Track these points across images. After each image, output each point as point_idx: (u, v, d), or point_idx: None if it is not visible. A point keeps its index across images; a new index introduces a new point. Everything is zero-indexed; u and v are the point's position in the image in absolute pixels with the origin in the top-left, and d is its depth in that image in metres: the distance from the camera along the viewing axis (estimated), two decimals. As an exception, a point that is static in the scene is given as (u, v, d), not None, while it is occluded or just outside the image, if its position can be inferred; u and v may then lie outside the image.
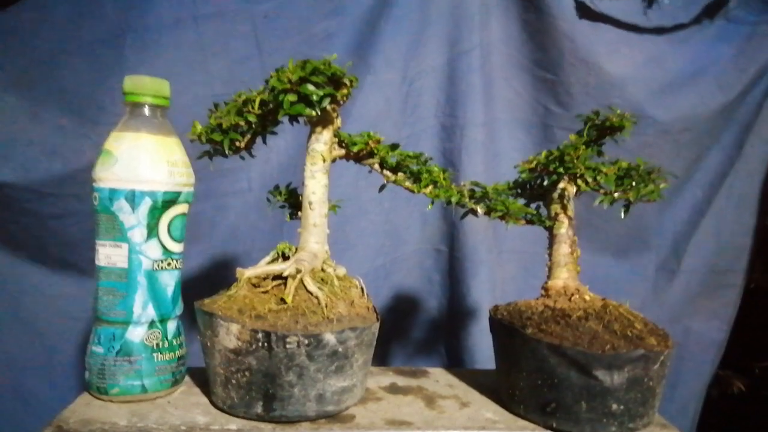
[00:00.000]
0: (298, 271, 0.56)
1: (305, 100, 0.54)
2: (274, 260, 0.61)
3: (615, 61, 1.02)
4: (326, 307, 0.55)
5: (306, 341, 0.52)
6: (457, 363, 1.04)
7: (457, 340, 1.03)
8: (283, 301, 0.55)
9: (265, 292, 0.56)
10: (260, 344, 0.52)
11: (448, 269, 1.05)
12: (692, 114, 1.05)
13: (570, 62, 0.99)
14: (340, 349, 0.54)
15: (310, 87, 0.53)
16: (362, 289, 0.63)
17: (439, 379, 0.68)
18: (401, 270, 1.05)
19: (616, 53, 1.02)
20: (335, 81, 0.55)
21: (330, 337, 0.53)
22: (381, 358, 1.04)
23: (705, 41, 1.06)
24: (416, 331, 1.07)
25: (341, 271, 0.63)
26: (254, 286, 0.57)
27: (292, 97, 0.53)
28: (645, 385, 0.54)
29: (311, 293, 0.56)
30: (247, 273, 0.57)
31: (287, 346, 0.52)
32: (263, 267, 0.58)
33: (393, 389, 0.64)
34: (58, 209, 0.88)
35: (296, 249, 0.61)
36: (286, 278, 0.57)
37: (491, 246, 1.04)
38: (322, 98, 0.54)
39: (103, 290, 0.57)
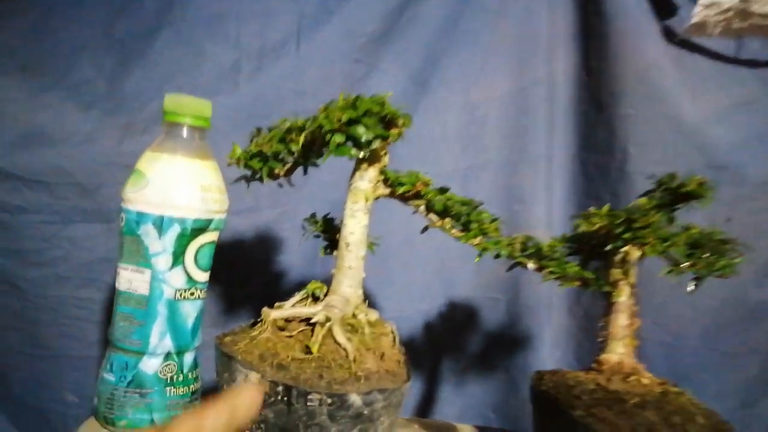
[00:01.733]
0: (328, 319, 0.52)
1: (353, 139, 0.50)
2: (303, 299, 0.57)
3: (701, 102, 0.93)
4: (354, 361, 0.51)
5: (329, 400, 0.48)
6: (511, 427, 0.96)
7: (516, 401, 0.96)
8: (308, 349, 0.51)
9: (290, 337, 0.52)
10: (279, 397, 0.48)
11: (507, 319, 0.97)
12: None
13: (651, 97, 0.91)
14: (365, 412, 0.49)
15: (360, 129, 0.48)
16: (394, 336, 0.58)
17: (467, 441, 0.63)
18: (448, 319, 0.97)
19: (703, 94, 0.93)
20: (387, 122, 0.51)
21: (356, 399, 0.49)
22: (421, 412, 0.99)
23: None
24: (463, 386, 0.99)
25: (373, 315, 0.58)
26: (279, 328, 0.53)
27: (339, 138, 0.48)
28: (705, 490, 0.47)
29: (339, 344, 0.51)
30: (273, 314, 0.52)
31: (308, 403, 0.48)
32: (290, 309, 0.54)
33: (417, 450, 0.59)
34: (18, 200, 0.81)
35: (327, 290, 0.57)
36: (314, 323, 0.52)
37: (562, 295, 0.95)
38: (371, 140, 0.50)
39: (121, 316, 0.54)
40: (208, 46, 0.86)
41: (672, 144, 0.94)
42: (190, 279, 0.55)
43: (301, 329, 0.53)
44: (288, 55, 0.89)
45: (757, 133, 0.96)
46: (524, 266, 0.59)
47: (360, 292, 0.57)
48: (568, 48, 0.95)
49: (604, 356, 0.55)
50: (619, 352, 0.55)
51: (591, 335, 0.97)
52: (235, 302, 0.91)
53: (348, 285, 0.56)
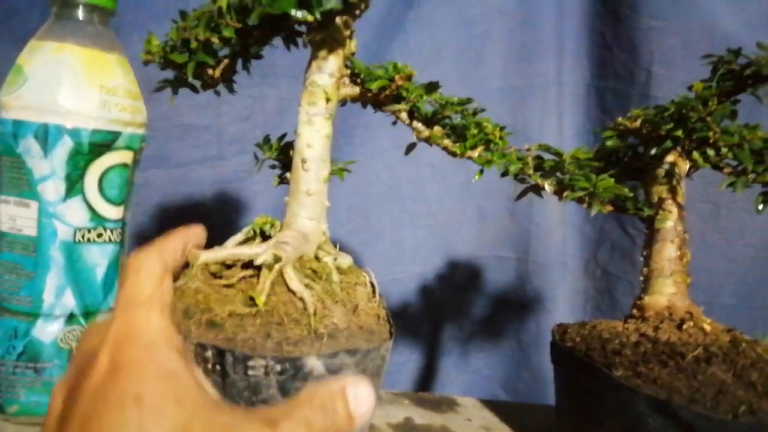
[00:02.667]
0: (278, 259, 0.38)
1: (299, -3, 0.35)
2: (247, 240, 0.43)
3: (741, 7, 0.79)
4: (315, 314, 0.37)
5: (279, 367, 0.35)
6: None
7: (529, 373, 0.83)
8: (252, 301, 0.37)
9: (229, 287, 0.38)
10: (210, 366, 0.35)
11: (516, 279, 0.85)
12: None
13: (680, 4, 0.77)
14: (330, 381, 0.36)
15: (306, -26, 0.34)
16: (373, 286, 0.45)
17: (471, 416, 0.50)
18: (447, 283, 0.84)
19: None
20: (349, -24, 0.36)
21: (316, 363, 0.35)
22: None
23: None
24: (466, 360, 0.86)
25: (345, 261, 0.45)
26: (213, 275, 0.39)
27: (276, -13, 0.34)
28: (799, 473, 0.34)
29: (294, 293, 0.38)
30: (203, 256, 0.39)
31: (249, 372, 0.34)
32: (228, 249, 0.40)
33: (406, 429, 0.46)
34: None
35: (281, 226, 0.43)
36: (259, 267, 0.39)
37: (575, 252, 0.84)
38: (325, -2, 0.35)
39: (5, 266, 0.40)
40: None
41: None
42: (94, 215, 0.41)
43: (243, 275, 0.39)
44: None
45: None
46: (539, 190, 0.45)
47: (324, 226, 0.43)
48: None
49: (647, 299, 0.42)
50: (667, 292, 0.42)
51: (611, 297, 0.84)
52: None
53: (306, 217, 0.42)
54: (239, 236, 0.43)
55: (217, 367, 0.34)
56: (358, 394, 0.35)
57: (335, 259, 0.44)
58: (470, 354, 0.87)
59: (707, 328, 0.39)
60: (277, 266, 0.38)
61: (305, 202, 0.42)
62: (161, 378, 0.28)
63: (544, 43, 0.81)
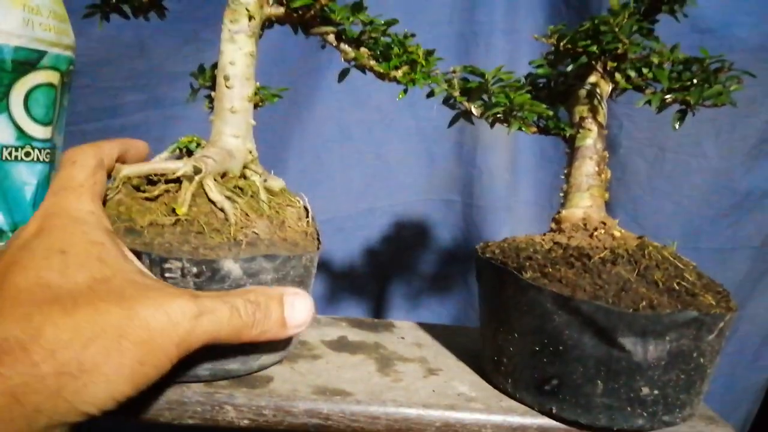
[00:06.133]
0: (198, 171, 0.39)
1: None
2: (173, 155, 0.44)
3: None
4: (235, 224, 0.38)
5: (195, 269, 0.36)
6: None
7: (476, 312, 0.86)
8: (173, 212, 0.38)
9: (151, 200, 0.39)
10: (128, 269, 0.35)
11: (463, 223, 0.87)
12: None
13: None
14: (248, 285, 0.37)
15: None
16: (306, 209, 0.46)
17: (405, 335, 0.52)
18: (396, 221, 0.86)
19: None
20: None
21: (232, 266, 0.36)
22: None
23: None
24: (417, 290, 0.89)
25: (276, 183, 0.46)
26: (136, 189, 0.40)
27: None
28: (693, 362, 0.36)
29: (215, 203, 0.39)
30: (125, 170, 0.39)
31: (166, 273, 0.35)
32: (150, 163, 0.41)
33: (339, 345, 0.48)
34: None
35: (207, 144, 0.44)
36: (182, 182, 0.39)
37: (528, 198, 0.86)
38: None
39: (-70, 184, 0.41)
40: None
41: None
42: (21, 133, 0.41)
43: (166, 189, 0.40)
44: None
45: None
46: (468, 115, 0.46)
47: (250, 145, 0.44)
48: None
49: (564, 212, 0.44)
50: (583, 205, 0.43)
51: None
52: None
53: (231, 134, 0.43)
54: (165, 154, 0.43)
55: (135, 269, 0.35)
56: (296, 304, 0.37)
57: (265, 180, 0.45)
58: (421, 303, 0.89)
59: (617, 234, 0.41)
60: (197, 178, 0.39)
61: (229, 119, 0.42)
62: (87, 242, 0.31)
63: None
